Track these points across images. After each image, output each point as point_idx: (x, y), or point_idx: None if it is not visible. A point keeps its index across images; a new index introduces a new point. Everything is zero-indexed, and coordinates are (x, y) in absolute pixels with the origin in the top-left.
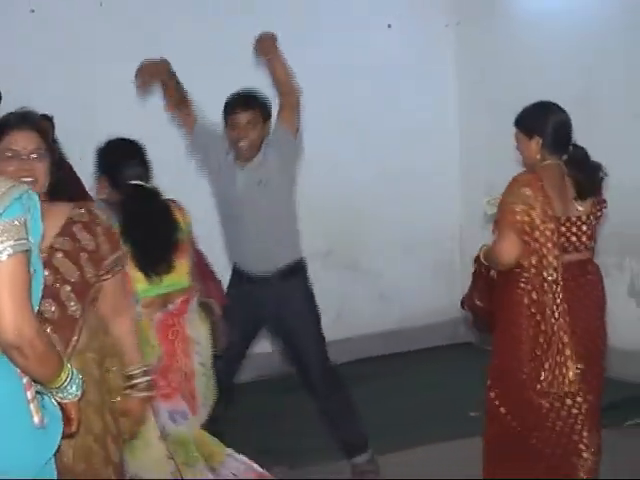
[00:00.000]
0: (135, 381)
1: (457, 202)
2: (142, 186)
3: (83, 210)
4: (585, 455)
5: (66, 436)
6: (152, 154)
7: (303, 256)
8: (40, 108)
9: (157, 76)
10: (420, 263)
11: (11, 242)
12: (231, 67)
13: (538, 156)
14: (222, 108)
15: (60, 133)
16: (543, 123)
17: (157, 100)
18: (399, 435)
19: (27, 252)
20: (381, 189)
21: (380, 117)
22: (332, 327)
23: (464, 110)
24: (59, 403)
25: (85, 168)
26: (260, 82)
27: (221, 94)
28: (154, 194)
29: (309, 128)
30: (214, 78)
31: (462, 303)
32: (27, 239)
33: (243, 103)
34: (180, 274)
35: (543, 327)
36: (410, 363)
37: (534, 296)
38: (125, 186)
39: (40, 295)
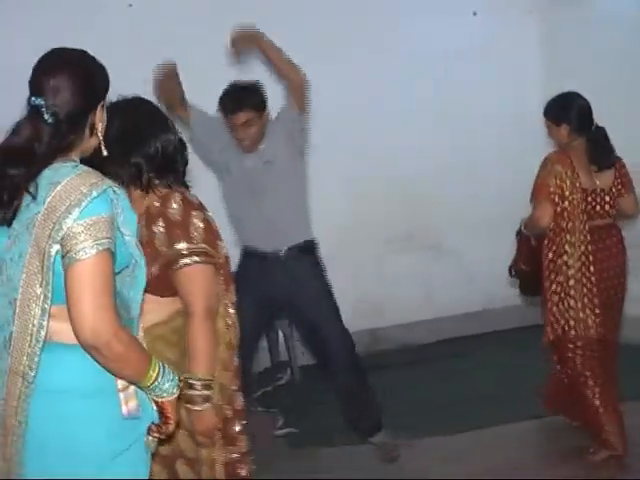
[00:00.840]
0: (191, 392)
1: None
2: None
3: (158, 198)
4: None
5: (164, 436)
6: None
7: (314, 237)
8: None
9: (253, 43)
10: (502, 246)
11: (90, 241)
12: None
13: (566, 140)
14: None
15: None
16: (568, 111)
17: None
18: (480, 413)
19: (108, 250)
20: (465, 172)
21: (463, 103)
22: (420, 308)
23: (549, 98)
24: (155, 402)
25: None
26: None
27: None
28: None
29: (393, 113)
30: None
31: (510, 269)
32: (110, 238)
33: (237, 104)
34: None
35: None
36: (495, 343)
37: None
38: None
39: (143, 286)
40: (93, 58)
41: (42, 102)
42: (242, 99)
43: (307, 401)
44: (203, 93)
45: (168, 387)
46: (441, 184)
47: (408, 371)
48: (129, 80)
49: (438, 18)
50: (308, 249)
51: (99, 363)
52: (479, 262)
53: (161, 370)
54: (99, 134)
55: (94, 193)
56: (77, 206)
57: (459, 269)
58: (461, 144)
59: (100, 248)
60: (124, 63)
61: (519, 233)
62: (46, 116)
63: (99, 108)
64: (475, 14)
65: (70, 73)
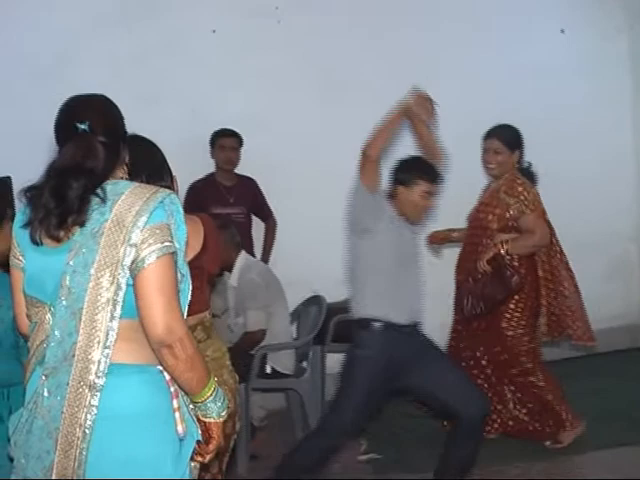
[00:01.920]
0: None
1: (633, 203)
2: None
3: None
4: None
5: (203, 456)
6: None
7: None
8: (221, 125)
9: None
10: (595, 265)
11: (158, 245)
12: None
13: (514, 165)
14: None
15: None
16: (521, 139)
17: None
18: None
19: (173, 254)
20: (552, 190)
21: (551, 120)
22: None
23: (638, 114)
24: (200, 420)
25: None
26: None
27: None
28: None
29: (476, 123)
30: None
31: (474, 306)
32: (172, 242)
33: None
34: None
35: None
36: (588, 367)
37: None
38: None
39: (188, 300)
40: (112, 101)
41: (88, 125)
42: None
43: (392, 427)
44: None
45: (218, 408)
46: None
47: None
48: None
49: (527, 35)
50: None
51: (167, 367)
52: None
53: (216, 389)
54: (125, 166)
55: (158, 200)
56: (145, 213)
57: None
58: (547, 161)
59: (167, 251)
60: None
61: (494, 260)
62: (99, 137)
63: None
64: (563, 32)
65: (103, 105)
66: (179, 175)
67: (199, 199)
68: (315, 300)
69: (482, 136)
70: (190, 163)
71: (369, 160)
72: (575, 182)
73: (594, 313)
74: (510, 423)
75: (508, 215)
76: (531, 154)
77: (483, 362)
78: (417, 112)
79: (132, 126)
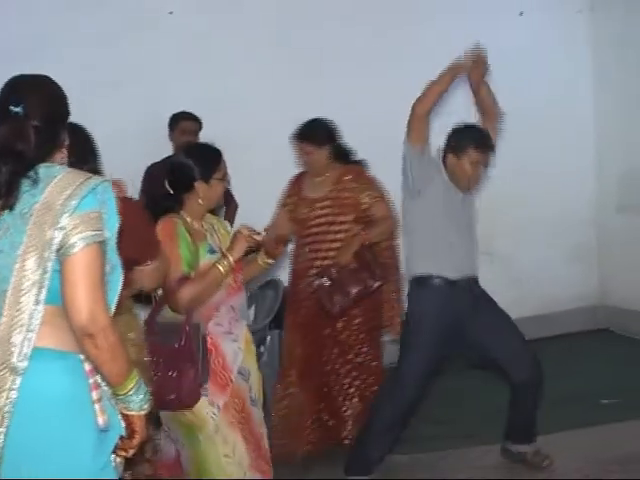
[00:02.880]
0: None
1: (592, 186)
2: None
3: None
4: None
5: (130, 453)
6: None
7: None
8: (182, 108)
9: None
10: (556, 249)
11: (88, 232)
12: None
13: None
14: None
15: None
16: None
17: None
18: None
19: (102, 243)
20: (513, 175)
21: (510, 105)
22: None
23: (599, 98)
24: (123, 414)
25: None
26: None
27: None
28: None
29: (436, 115)
30: None
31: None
32: (102, 230)
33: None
34: None
35: None
36: (546, 349)
37: None
38: None
39: (119, 289)
40: (56, 83)
41: (22, 109)
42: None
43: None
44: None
45: (140, 401)
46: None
47: (468, 377)
48: None
49: (483, 18)
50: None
51: (90, 356)
52: (529, 266)
53: (138, 382)
54: (64, 150)
55: (90, 186)
56: (75, 197)
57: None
58: (508, 146)
59: (97, 240)
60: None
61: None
62: (33, 121)
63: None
64: (522, 14)
65: (43, 86)
66: (141, 157)
67: (156, 183)
68: (272, 284)
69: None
70: (151, 146)
71: (418, 117)
72: (537, 168)
73: (557, 295)
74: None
75: (362, 204)
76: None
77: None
78: (471, 72)
79: (94, 109)
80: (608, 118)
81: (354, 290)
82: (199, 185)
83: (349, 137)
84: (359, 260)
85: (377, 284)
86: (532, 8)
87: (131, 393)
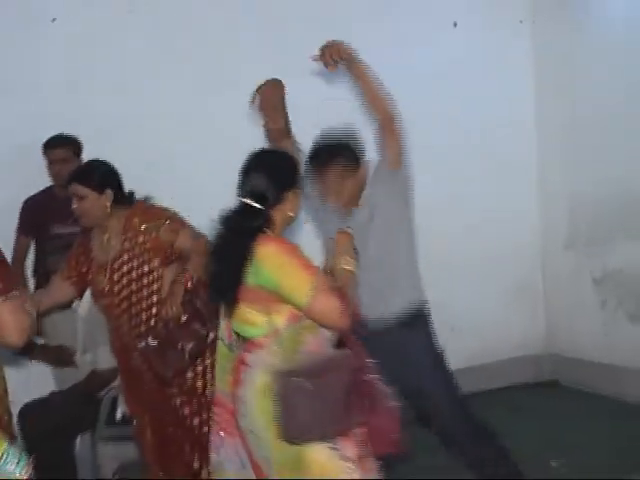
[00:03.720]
0: None
1: (535, 218)
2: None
3: None
4: None
5: None
6: None
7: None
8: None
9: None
10: (495, 290)
11: None
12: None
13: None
14: None
15: None
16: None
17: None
18: None
19: None
20: (445, 206)
21: (447, 123)
22: None
23: (541, 118)
24: None
25: None
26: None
27: None
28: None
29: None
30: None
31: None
32: None
33: (321, 160)
34: (243, 319)
35: None
36: (487, 403)
37: None
38: None
39: None
40: None
41: None
42: (330, 154)
43: None
44: None
45: (15, 469)
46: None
47: None
48: None
49: (413, 30)
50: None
51: None
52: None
53: (6, 451)
54: None
55: None
56: None
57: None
58: (442, 170)
59: None
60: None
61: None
62: None
63: None
64: (455, 25)
65: None
66: (14, 188)
67: (36, 217)
68: None
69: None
70: (28, 174)
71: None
72: (472, 194)
73: (494, 342)
74: None
75: (162, 242)
76: (424, 163)
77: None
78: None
79: None
80: (552, 140)
81: (188, 345)
82: (292, 194)
83: None
84: (186, 308)
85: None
86: (468, 18)
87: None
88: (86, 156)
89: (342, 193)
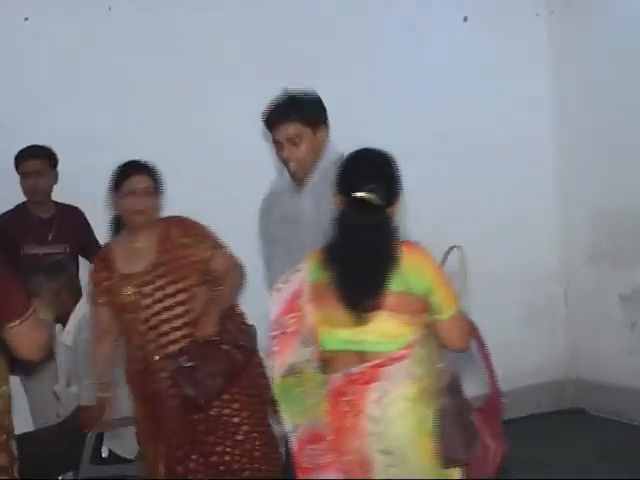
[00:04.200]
0: None
1: (555, 232)
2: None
3: None
4: None
5: None
6: None
7: None
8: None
9: None
10: (512, 310)
11: None
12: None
13: None
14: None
15: None
16: None
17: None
18: None
19: None
20: (459, 213)
21: (455, 132)
22: None
23: (560, 121)
24: None
25: None
26: None
27: None
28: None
29: (380, 132)
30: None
31: None
32: None
33: (281, 110)
34: (384, 330)
35: None
36: (506, 435)
37: None
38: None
39: None
40: None
41: None
42: (290, 111)
43: None
44: None
45: None
46: (434, 229)
47: None
48: None
49: (421, 28)
50: None
51: None
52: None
53: None
54: None
55: None
56: None
57: None
58: (453, 176)
59: None
60: None
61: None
62: None
63: None
64: (466, 19)
65: None
66: None
67: (8, 237)
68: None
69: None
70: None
71: None
72: (487, 210)
73: (515, 368)
74: None
75: (201, 260)
76: (431, 176)
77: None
78: None
79: None
80: (572, 146)
81: (221, 369)
82: (402, 197)
83: None
84: (219, 330)
85: (243, 356)
86: (479, 12)
87: None
88: (66, 165)
89: (299, 156)
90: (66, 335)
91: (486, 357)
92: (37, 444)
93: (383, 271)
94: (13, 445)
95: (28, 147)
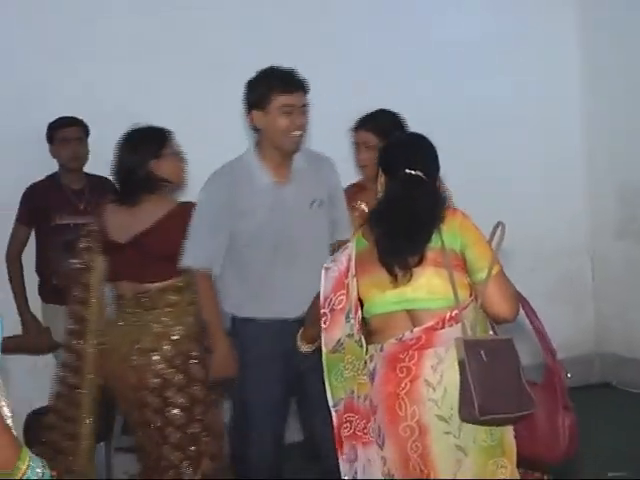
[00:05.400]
0: None
1: (583, 207)
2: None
3: None
4: None
5: None
6: None
7: None
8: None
9: None
10: (540, 285)
11: None
12: None
13: None
14: None
15: None
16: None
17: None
18: None
19: None
20: (484, 191)
21: (482, 114)
22: None
23: (589, 98)
24: None
25: None
26: None
27: None
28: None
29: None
30: None
31: None
32: None
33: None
34: (431, 286)
35: None
36: None
37: None
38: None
39: None
40: None
41: None
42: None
43: None
44: None
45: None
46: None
47: None
48: None
49: (442, 9)
50: None
51: None
52: None
53: (29, 462)
54: None
55: None
56: None
57: None
58: (478, 157)
59: None
60: None
61: None
62: None
63: None
64: None
65: None
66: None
67: (40, 207)
68: None
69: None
70: (20, 163)
71: None
72: (514, 187)
73: (536, 341)
74: None
75: None
76: (458, 155)
77: None
78: None
79: None
80: (602, 120)
81: None
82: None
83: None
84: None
85: None
86: None
87: (24, 477)
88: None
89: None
90: None
91: (539, 329)
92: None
93: (422, 231)
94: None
95: (65, 117)
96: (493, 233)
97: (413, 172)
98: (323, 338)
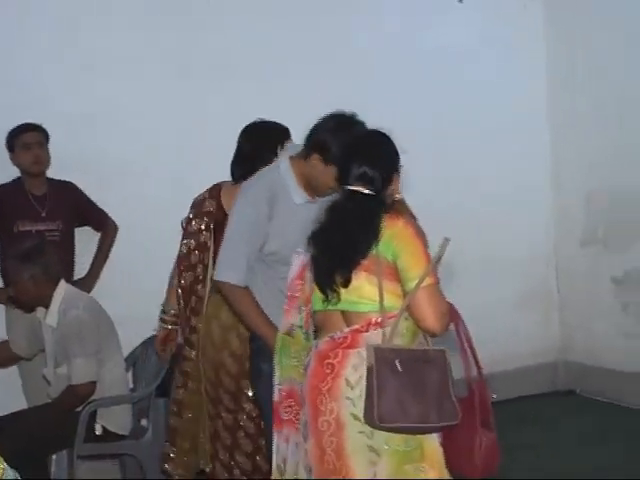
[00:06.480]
0: None
1: (548, 212)
2: None
3: None
4: None
5: None
6: None
7: None
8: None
9: None
10: (506, 293)
11: None
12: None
13: None
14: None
15: None
16: None
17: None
18: None
19: None
20: (454, 197)
21: (452, 114)
22: None
23: (554, 105)
24: None
25: None
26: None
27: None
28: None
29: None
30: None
31: None
32: None
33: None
34: (361, 291)
35: None
36: (499, 416)
37: None
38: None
39: None
40: None
41: None
42: None
43: None
44: None
45: None
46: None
47: None
48: None
49: (415, 11)
50: None
51: None
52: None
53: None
54: None
55: None
56: None
57: None
58: (448, 161)
59: None
60: None
61: None
62: None
63: None
64: (461, 0)
65: None
66: None
67: (2, 213)
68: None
69: None
70: None
71: None
72: (481, 190)
73: (509, 350)
74: None
75: None
76: (423, 156)
77: None
78: None
79: None
80: (566, 127)
81: None
82: (396, 176)
83: None
84: None
85: None
86: None
87: None
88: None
89: None
90: (50, 317)
91: (463, 348)
92: (29, 423)
93: (355, 254)
94: None
95: (25, 124)
96: (442, 247)
97: (353, 188)
98: (283, 319)
